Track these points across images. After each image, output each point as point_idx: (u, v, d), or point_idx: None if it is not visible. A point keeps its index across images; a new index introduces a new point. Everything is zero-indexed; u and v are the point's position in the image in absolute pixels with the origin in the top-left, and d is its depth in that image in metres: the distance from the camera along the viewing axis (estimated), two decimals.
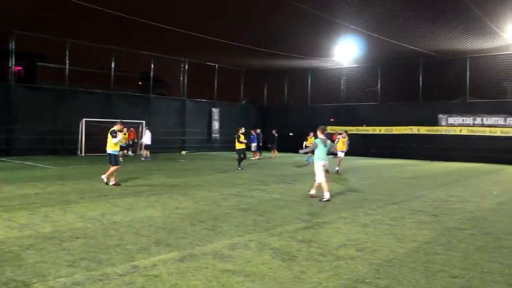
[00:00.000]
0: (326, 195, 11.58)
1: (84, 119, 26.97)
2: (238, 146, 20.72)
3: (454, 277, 5.58)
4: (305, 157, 24.77)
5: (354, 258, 6.32)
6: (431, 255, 6.55)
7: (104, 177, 14.01)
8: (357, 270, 5.75)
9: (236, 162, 21.01)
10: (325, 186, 11.69)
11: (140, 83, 38.79)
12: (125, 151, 27.84)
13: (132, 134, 27.41)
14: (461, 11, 19.70)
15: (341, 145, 20.30)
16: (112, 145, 13.83)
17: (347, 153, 29.18)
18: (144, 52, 30.68)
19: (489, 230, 8.40)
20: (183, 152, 26.07)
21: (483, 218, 9.72)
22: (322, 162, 11.77)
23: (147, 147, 26.03)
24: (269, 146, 30.37)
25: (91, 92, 29.21)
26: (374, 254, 6.53)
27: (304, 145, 24.30)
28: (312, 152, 12.31)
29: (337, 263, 6.03)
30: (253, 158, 27.37)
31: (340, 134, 21.13)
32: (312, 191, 12.26)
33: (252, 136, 28.43)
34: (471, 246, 7.15)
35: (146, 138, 26.30)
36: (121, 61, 30.50)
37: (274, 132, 30.33)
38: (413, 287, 5.18)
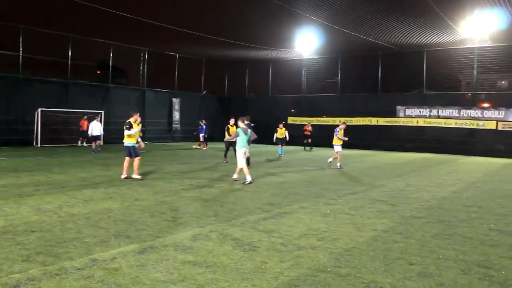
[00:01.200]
0: (248, 178, 12.72)
1: (39, 109, 26.11)
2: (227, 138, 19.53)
3: (412, 264, 5.73)
4: (276, 148, 24.49)
5: (315, 247, 6.39)
6: (389, 243, 6.70)
7: (134, 175, 13.26)
8: (318, 259, 5.82)
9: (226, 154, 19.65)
10: (246, 170, 12.89)
11: (98, 72, 37.92)
12: (80, 142, 27.22)
13: (85, 124, 26.84)
14: (419, 5, 20.14)
15: (336, 138, 18.44)
16: (127, 137, 13.32)
17: (311, 144, 29.60)
18: (103, 41, 29.98)
19: (444, 218, 8.67)
20: (194, 146, 24.60)
21: (439, 206, 10.02)
22: (243, 149, 12.98)
23: (93, 138, 23.66)
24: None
25: (47, 81, 28.32)
26: (335, 243, 6.62)
27: (274, 137, 24.32)
28: (251, 141, 13.43)
29: (298, 253, 6.08)
30: (203, 148, 27.43)
31: (340, 125, 19.01)
32: (235, 176, 13.26)
33: (200, 127, 28.42)
34: (427, 234, 7.36)
35: (94, 129, 23.79)
36: (78, 49, 29.64)
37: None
38: (372, 274, 5.28)
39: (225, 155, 19.49)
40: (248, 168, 13.47)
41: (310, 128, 30.40)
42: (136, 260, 5.59)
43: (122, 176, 13.32)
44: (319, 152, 27.61)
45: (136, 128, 13.49)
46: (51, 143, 26.13)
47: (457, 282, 5.10)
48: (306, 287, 4.82)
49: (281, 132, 23.77)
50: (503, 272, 5.53)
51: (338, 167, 18.21)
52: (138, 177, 13.22)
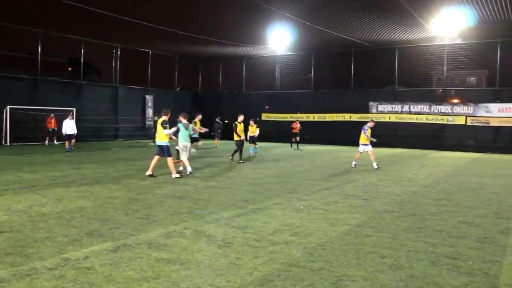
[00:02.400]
0: (189, 169, 13.80)
1: (8, 107, 25.51)
2: (236, 138, 18.53)
3: (384, 257, 5.84)
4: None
5: (288, 243, 6.44)
6: (362, 238, 6.81)
7: (174, 175, 13.16)
8: (291, 255, 5.87)
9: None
10: (186, 162, 13.93)
11: (70, 68, 37.22)
12: (47, 141, 26.69)
13: (53, 121, 26.37)
14: (389, 2, 20.45)
15: (364, 137, 16.87)
16: (164, 137, 13.24)
17: (299, 142, 28.66)
18: (74, 37, 29.42)
19: (415, 212, 8.85)
20: (200, 144, 23.37)
21: (410, 200, 10.22)
22: (184, 143, 14.04)
23: (67, 137, 22.22)
24: (212, 134, 27.90)
25: (17, 78, 27.60)
26: (308, 238, 6.69)
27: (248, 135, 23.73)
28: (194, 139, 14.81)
29: (272, 248, 6.13)
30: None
31: (368, 122, 17.26)
32: (181, 168, 14.31)
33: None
34: (398, 228, 7.50)
35: (68, 127, 22.23)
36: (49, 45, 29.00)
37: (218, 119, 29.38)
38: (345, 268, 5.37)
39: (240, 155, 18.28)
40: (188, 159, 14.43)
41: (298, 125, 28.57)
42: (109, 258, 5.54)
43: (148, 173, 13.38)
44: (288, 148, 27.73)
45: (174, 128, 13.64)
46: (21, 142, 25.55)
47: (427, 274, 5.22)
48: (280, 282, 4.86)
49: (252, 130, 21.79)
50: (470, 262, 5.70)
51: (376, 167, 16.58)
52: (177, 175, 13.23)
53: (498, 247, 6.48)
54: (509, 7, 20.39)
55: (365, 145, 16.87)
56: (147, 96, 35.34)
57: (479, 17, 22.25)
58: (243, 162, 18.23)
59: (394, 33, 26.43)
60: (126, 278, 4.90)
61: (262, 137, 32.50)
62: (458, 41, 28.30)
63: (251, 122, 22.05)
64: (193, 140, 16.30)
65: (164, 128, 13.17)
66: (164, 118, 13.42)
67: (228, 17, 23.96)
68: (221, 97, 39.06)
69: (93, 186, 11.41)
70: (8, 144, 25.42)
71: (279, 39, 29.85)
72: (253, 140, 21.83)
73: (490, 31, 25.32)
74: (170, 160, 13.31)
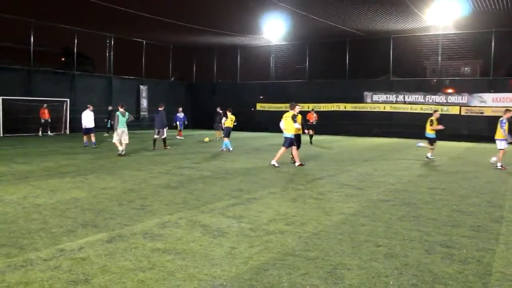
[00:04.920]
0: (120, 148, 16.39)
1: (1, 97, 25.33)
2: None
3: (378, 246, 5.86)
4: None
5: (283, 232, 6.46)
6: (357, 226, 6.83)
7: (297, 164, 14.18)
8: (286, 244, 5.88)
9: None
10: (117, 144, 16.49)
11: (63, 59, 36.95)
12: (40, 132, 26.56)
13: (46, 112, 26.23)
14: None
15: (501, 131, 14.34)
16: (294, 129, 13.88)
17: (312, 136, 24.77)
18: (67, 26, 29.14)
19: (409, 201, 8.89)
20: (207, 139, 22.55)
21: (404, 189, 10.26)
22: (122, 129, 16.49)
23: (86, 131, 19.70)
24: (214, 126, 26.32)
25: (9, 68, 27.40)
26: (303, 228, 6.71)
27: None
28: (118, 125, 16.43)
29: (267, 238, 6.14)
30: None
31: (506, 114, 14.49)
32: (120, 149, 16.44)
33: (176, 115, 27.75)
34: (393, 216, 7.53)
35: (87, 120, 19.64)
36: (42, 36, 28.74)
37: (219, 109, 25.95)
38: (340, 257, 5.39)
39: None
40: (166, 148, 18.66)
41: (315, 116, 24.28)
42: (105, 249, 5.54)
43: (297, 164, 14.17)
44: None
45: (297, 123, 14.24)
46: (14, 133, 25.42)
47: (421, 262, 5.25)
48: (275, 271, 4.87)
49: (230, 122, 19.29)
50: (464, 251, 5.74)
51: (499, 167, 14.37)
52: (298, 163, 14.19)
53: (491, 235, 6.53)
54: None
55: (503, 140, 14.34)
56: (141, 87, 35.20)
57: (474, 7, 22.20)
58: (224, 151, 18.68)
59: (389, 22, 26.37)
60: (121, 268, 4.90)
61: (257, 128, 32.56)
62: (453, 31, 28.28)
63: (228, 113, 19.51)
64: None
65: (295, 121, 13.85)
66: (293, 112, 14.06)
67: (223, 6, 23.79)
68: (215, 87, 38.92)
69: (87, 176, 11.37)
70: (1, 135, 25.28)
71: (274, 29, 29.69)
72: (227, 132, 19.32)
73: (484, 21, 25.30)
74: (295, 150, 14.27)
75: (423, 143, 17.53)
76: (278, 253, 5.49)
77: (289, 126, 13.86)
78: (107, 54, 33.43)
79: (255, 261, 5.21)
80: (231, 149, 19.07)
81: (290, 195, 9.36)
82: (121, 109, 16.76)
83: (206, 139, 22.87)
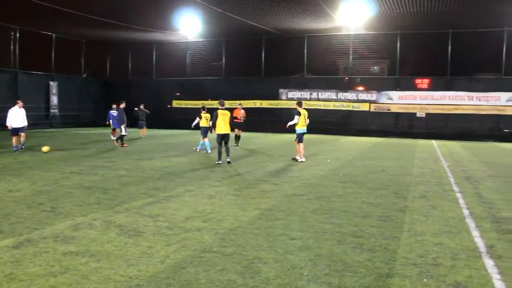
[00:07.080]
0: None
1: None
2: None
3: (293, 239, 6.04)
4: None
5: (200, 229, 6.45)
6: (272, 221, 6.99)
7: (302, 158, 15.32)
8: (204, 241, 5.89)
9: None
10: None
11: None
12: None
13: None
14: None
15: None
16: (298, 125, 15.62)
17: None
18: None
19: (323, 195, 9.24)
20: (46, 149, 17.71)
21: (318, 184, 10.64)
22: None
23: (14, 131, 16.85)
24: (140, 123, 25.11)
25: None
26: (220, 224, 6.74)
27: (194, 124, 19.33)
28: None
29: (184, 235, 6.11)
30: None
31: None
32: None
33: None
34: (307, 210, 7.79)
35: (14, 119, 16.94)
36: None
37: (142, 107, 25.20)
38: (256, 251, 5.48)
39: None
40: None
41: (242, 112, 21.24)
42: (11, 255, 5.21)
43: (301, 159, 15.18)
44: (196, 135, 27.63)
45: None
46: None
47: (334, 252, 5.49)
48: (192, 269, 4.86)
49: (205, 121, 17.48)
50: (372, 239, 6.08)
51: None
52: (304, 159, 15.28)
53: (396, 224, 6.98)
54: (407, 0, 21.68)
55: None
56: (51, 83, 33.31)
57: (380, 9, 23.44)
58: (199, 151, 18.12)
59: (304, 22, 27.13)
60: (30, 275, 4.63)
61: (173, 125, 32.15)
62: (363, 31, 29.70)
63: (202, 112, 17.97)
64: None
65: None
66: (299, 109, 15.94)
67: (137, 1, 23.18)
68: (131, 84, 37.85)
69: None
70: None
71: (190, 25, 29.42)
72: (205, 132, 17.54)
73: (391, 23, 26.86)
74: (301, 145, 15.47)
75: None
76: (195, 251, 5.48)
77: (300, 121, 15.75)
78: (12, 47, 31.29)
79: (172, 259, 5.16)
80: (209, 151, 17.08)
81: (207, 192, 9.37)
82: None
83: (45, 149, 16.68)
